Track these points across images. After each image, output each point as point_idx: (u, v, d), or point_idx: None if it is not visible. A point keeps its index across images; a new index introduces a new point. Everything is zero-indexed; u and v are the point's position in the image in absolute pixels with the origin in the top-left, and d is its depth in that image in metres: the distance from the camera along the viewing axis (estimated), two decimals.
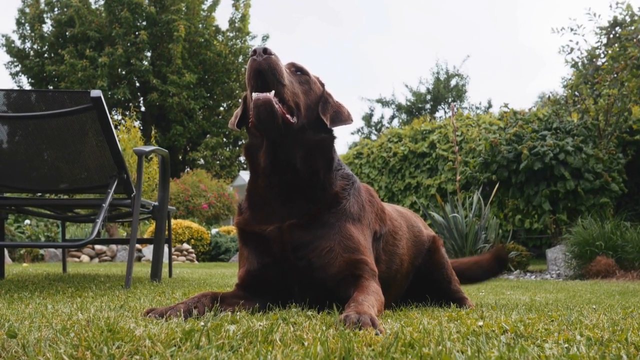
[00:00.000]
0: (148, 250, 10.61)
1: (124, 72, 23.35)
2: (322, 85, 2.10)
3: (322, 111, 2.00)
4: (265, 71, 1.80)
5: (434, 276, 2.43)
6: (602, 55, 9.46)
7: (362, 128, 31.99)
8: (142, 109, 24.40)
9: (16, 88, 22.99)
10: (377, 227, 2.09)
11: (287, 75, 1.89)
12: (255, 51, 1.82)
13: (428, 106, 30.34)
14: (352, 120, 2.10)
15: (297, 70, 2.00)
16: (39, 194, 4.78)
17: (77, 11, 22.71)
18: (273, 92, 1.80)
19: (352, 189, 2.01)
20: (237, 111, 2.12)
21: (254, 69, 1.82)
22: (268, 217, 1.93)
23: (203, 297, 1.81)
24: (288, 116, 1.84)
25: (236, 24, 25.15)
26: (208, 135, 24.81)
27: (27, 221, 10.44)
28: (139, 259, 10.52)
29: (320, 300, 1.90)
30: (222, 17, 48.16)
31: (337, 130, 2.06)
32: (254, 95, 1.80)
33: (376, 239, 2.08)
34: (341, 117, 2.06)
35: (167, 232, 4.44)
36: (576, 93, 9.40)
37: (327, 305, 1.86)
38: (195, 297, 1.81)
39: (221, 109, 25.76)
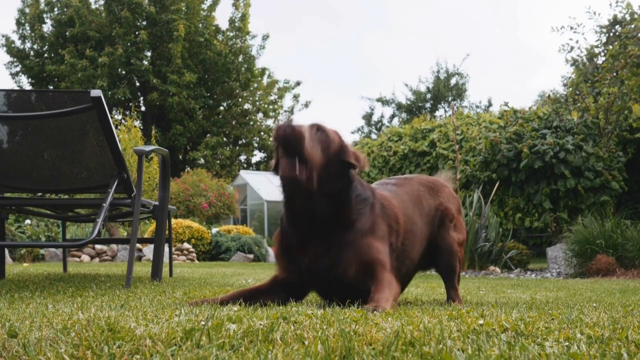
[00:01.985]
0: (148, 250, 10.61)
1: (124, 72, 23.32)
2: (340, 137, 2.29)
3: (344, 157, 2.23)
4: (290, 141, 2.03)
5: (440, 257, 2.66)
6: (602, 54, 9.45)
7: (362, 127, 31.97)
8: (143, 108, 24.37)
9: (16, 88, 23.01)
10: (393, 240, 2.34)
11: (309, 139, 2.08)
12: (280, 127, 2.04)
13: (428, 105, 30.31)
14: (368, 167, 2.38)
15: (318, 130, 2.20)
16: (40, 193, 4.78)
17: (77, 11, 22.67)
18: (297, 158, 2.02)
19: (366, 209, 2.28)
20: (272, 162, 2.33)
21: (281, 140, 2.04)
22: (300, 242, 2.26)
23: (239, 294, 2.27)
24: (309, 182, 2.06)
25: (236, 24, 25.10)
26: (208, 135, 24.77)
27: (28, 221, 10.43)
28: (140, 258, 10.52)
29: (343, 298, 2.19)
30: (222, 16, 48.02)
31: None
32: (281, 170, 2.06)
33: (392, 250, 2.33)
34: (359, 163, 2.31)
35: (167, 232, 4.44)
36: (576, 91, 9.39)
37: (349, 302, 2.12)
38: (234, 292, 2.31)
39: (221, 108, 25.73)
